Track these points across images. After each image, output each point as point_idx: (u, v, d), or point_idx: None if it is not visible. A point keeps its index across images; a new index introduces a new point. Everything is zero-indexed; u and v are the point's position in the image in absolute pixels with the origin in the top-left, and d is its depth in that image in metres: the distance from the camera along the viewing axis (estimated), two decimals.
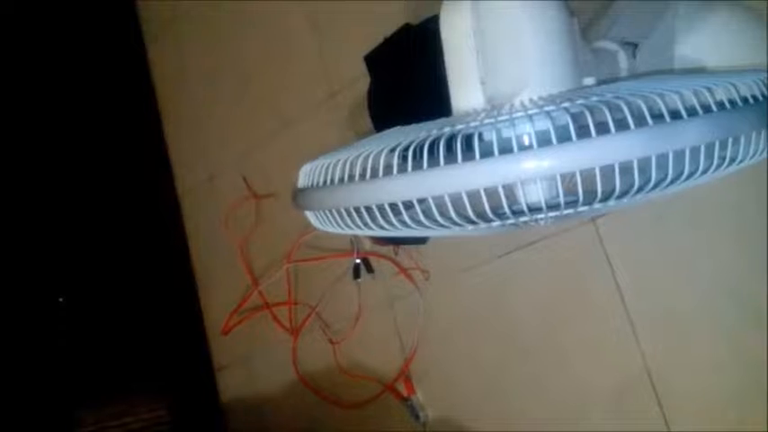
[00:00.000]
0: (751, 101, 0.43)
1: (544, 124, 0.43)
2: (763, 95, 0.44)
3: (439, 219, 0.45)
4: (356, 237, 1.16)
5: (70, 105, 1.48)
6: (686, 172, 0.42)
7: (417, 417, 1.11)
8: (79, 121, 1.48)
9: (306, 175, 0.54)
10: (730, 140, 0.42)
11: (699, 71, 0.69)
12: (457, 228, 0.47)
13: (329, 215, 0.50)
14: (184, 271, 1.51)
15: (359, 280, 1.18)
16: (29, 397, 1.27)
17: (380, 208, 0.46)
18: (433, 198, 0.44)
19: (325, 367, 1.24)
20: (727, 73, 0.45)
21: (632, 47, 0.73)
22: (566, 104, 0.44)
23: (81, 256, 1.42)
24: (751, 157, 0.45)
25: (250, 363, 1.39)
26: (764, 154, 0.45)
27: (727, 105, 0.42)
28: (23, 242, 1.37)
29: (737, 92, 0.43)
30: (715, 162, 0.43)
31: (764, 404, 0.80)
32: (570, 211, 0.45)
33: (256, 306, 1.33)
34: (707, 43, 0.71)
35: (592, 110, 0.42)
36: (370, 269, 1.18)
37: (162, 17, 1.59)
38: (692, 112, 0.41)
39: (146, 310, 1.44)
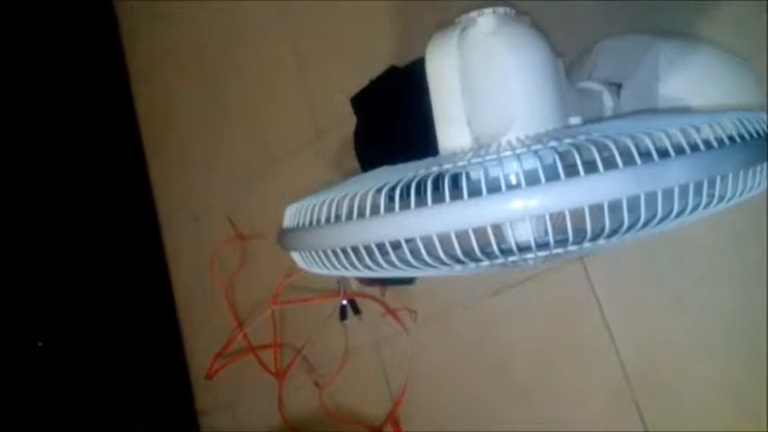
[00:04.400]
0: (738, 140, 0.44)
1: (532, 163, 0.42)
2: (749, 134, 0.44)
3: (427, 259, 0.45)
4: (343, 277, 1.15)
5: (53, 145, 1.47)
6: (675, 210, 0.42)
7: None
8: (62, 160, 1.47)
9: (291, 215, 0.53)
10: (718, 179, 0.42)
11: (683, 111, 0.70)
12: (445, 268, 0.46)
13: (315, 256, 0.50)
14: (168, 313, 1.48)
15: (345, 321, 1.16)
16: None
17: (368, 248, 0.45)
18: (421, 238, 0.43)
19: (311, 411, 1.21)
20: (712, 113, 0.45)
21: (616, 87, 0.74)
22: (553, 143, 0.44)
23: (60, 298, 1.39)
24: (739, 195, 0.45)
25: (235, 407, 1.35)
26: (752, 192, 0.46)
27: (714, 144, 0.42)
28: (0, 287, 1.34)
29: (724, 131, 0.44)
30: (704, 200, 0.42)
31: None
32: (560, 250, 0.45)
33: (241, 349, 1.31)
34: (690, 84, 0.72)
35: (579, 149, 0.42)
36: (356, 310, 1.16)
37: (148, 56, 1.60)
38: (679, 151, 0.41)
39: (128, 353, 1.41)
